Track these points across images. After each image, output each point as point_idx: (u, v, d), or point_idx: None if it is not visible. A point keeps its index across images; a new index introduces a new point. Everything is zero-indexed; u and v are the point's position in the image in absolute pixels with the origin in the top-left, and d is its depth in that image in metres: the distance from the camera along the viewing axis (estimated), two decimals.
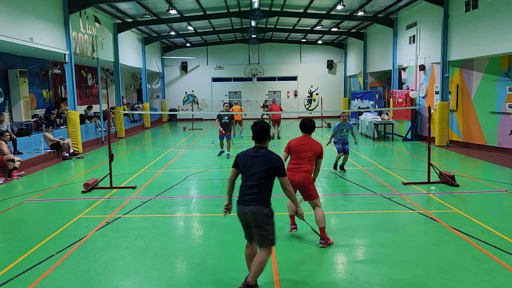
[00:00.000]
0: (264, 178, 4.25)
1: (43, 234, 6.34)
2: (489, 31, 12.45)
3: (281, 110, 18.03)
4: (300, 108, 30.48)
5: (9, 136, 11.64)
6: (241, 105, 23.41)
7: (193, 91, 31.02)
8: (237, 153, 4.50)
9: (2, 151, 10.78)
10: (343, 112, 10.73)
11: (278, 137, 17.81)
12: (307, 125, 5.84)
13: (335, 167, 10.93)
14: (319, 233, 5.71)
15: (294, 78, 30.94)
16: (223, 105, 13.95)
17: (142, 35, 24.42)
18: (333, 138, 10.69)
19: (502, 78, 13.11)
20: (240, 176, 4.44)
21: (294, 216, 5.91)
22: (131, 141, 18.39)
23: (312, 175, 5.79)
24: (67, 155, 13.60)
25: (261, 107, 25.65)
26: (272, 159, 4.28)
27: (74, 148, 14.07)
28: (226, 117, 13.00)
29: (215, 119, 13.60)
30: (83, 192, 8.87)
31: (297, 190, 5.59)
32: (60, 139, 13.97)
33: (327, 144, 11.18)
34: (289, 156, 5.86)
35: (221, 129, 13.06)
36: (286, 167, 5.23)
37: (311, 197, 5.72)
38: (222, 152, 13.57)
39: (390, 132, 17.79)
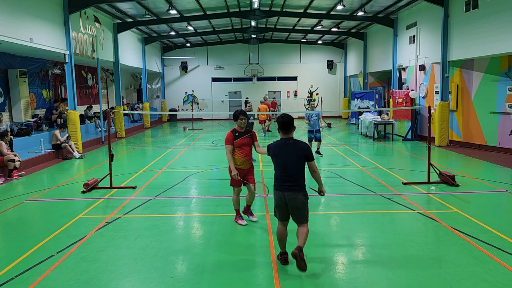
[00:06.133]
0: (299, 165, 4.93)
1: (43, 234, 6.34)
2: (489, 31, 12.45)
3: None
4: (300, 108, 30.50)
5: (10, 137, 11.62)
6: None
7: (193, 91, 31.02)
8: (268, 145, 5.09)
9: (1, 152, 10.77)
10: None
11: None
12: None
13: None
14: None
15: (294, 78, 30.95)
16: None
17: (142, 35, 24.42)
18: (307, 127, 13.03)
19: (502, 78, 13.10)
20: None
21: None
22: (131, 141, 18.38)
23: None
24: (78, 156, 13.58)
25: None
26: (302, 147, 4.96)
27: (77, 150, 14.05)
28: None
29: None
30: (83, 192, 8.87)
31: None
32: (67, 137, 13.94)
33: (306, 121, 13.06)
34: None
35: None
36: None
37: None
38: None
39: (390, 132, 17.78)
